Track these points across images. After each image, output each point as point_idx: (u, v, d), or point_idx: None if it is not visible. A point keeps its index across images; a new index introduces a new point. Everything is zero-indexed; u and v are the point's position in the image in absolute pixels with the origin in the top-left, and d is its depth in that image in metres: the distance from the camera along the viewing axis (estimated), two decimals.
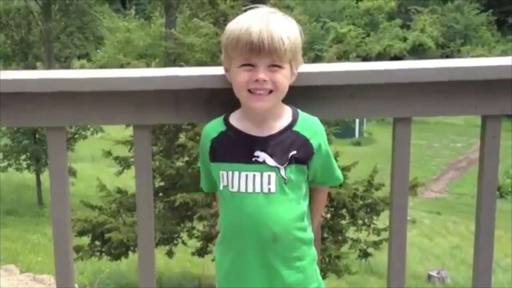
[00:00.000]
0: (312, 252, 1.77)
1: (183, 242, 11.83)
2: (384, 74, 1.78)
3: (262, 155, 1.64)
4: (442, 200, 24.78)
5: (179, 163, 11.65)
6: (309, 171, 1.71)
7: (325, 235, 11.02)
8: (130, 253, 11.14)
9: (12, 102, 1.77)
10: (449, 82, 1.77)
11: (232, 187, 1.66)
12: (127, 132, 10.65)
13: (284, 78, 1.63)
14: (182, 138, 11.71)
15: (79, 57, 35.14)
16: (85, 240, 11.35)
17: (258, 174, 1.64)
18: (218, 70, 1.76)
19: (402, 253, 1.90)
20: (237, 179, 1.65)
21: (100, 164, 22.41)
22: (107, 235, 10.51)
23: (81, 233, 10.95)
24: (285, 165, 1.64)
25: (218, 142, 1.70)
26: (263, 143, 1.65)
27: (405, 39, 46.23)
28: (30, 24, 23.24)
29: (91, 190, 15.16)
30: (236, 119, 1.71)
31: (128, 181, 11.76)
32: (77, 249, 10.72)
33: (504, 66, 1.78)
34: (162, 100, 1.81)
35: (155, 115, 1.83)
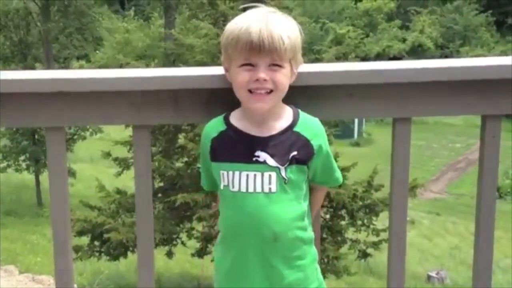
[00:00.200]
0: (312, 251, 1.77)
1: (182, 242, 11.82)
2: (384, 74, 1.78)
3: (262, 155, 1.64)
4: (441, 200, 24.78)
5: (178, 164, 11.65)
6: (309, 170, 1.71)
7: (324, 236, 11.03)
8: (129, 253, 11.13)
9: (11, 102, 1.77)
10: (449, 82, 1.77)
11: (233, 186, 1.66)
12: (127, 133, 10.65)
13: (284, 78, 1.63)
14: (181, 139, 11.71)
15: (78, 58, 35.12)
16: (84, 240, 11.35)
17: (258, 174, 1.64)
18: (218, 70, 1.76)
19: (402, 253, 1.90)
20: (237, 179, 1.66)
21: (99, 164, 22.40)
22: (106, 236, 10.51)
23: (80, 233, 10.95)
24: (285, 165, 1.64)
25: (218, 142, 1.70)
26: (264, 143, 1.65)
27: (404, 40, 46.24)
28: (29, 25, 23.21)
29: (90, 191, 15.16)
30: (236, 119, 1.71)
31: (127, 181, 11.76)
32: (76, 249, 10.73)
33: (503, 66, 1.78)
34: (161, 100, 1.80)
35: (154, 115, 1.83)
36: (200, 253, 11.60)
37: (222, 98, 1.75)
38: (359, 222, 11.50)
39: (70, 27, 25.80)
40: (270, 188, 1.65)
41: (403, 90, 1.79)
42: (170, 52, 15.87)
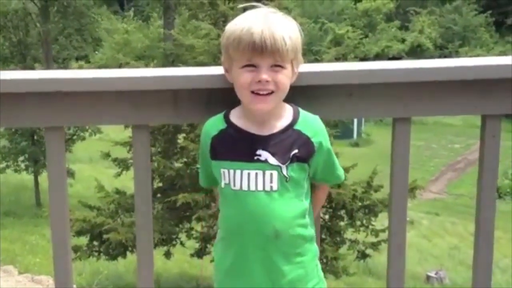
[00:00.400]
0: (313, 249, 1.78)
1: (181, 243, 11.82)
2: (383, 73, 1.78)
3: (264, 154, 1.65)
4: (441, 201, 24.78)
5: (178, 164, 11.65)
6: (310, 168, 1.71)
7: (323, 236, 11.03)
8: (128, 253, 11.14)
9: (10, 102, 1.77)
10: (449, 81, 1.77)
11: (234, 185, 1.66)
12: (126, 133, 10.65)
13: (286, 78, 1.63)
14: (181, 139, 11.71)
15: (77, 59, 35.08)
16: (83, 240, 11.35)
17: (260, 173, 1.65)
18: (217, 70, 1.76)
19: (401, 254, 1.89)
20: (239, 177, 1.66)
21: (98, 165, 22.39)
22: (105, 236, 10.51)
23: (79, 233, 10.95)
24: (286, 163, 1.65)
25: (218, 140, 1.70)
26: (265, 142, 1.66)
27: (403, 40, 46.22)
28: (28, 25, 23.20)
29: (89, 191, 15.15)
30: (236, 117, 1.71)
31: (126, 182, 11.75)
32: (75, 249, 10.74)
33: (503, 66, 1.78)
34: (160, 100, 1.80)
35: (154, 115, 1.83)
36: (199, 253, 11.61)
37: (221, 98, 1.75)
38: (358, 223, 11.50)
39: (69, 27, 25.76)
40: (271, 187, 1.65)
41: (402, 90, 1.79)
42: (169, 53, 15.87)
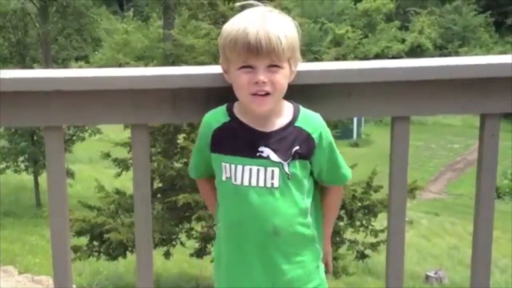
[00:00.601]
0: (315, 249, 1.76)
1: (181, 243, 11.82)
2: (383, 72, 1.78)
3: (266, 151, 1.65)
4: (440, 201, 24.77)
5: (178, 165, 11.65)
6: (313, 166, 1.70)
7: None
8: (128, 253, 11.14)
9: (8, 102, 1.76)
10: (448, 80, 1.77)
11: (235, 179, 1.66)
12: (126, 134, 10.65)
13: (283, 78, 1.63)
14: (181, 139, 11.71)
15: (77, 59, 35.05)
16: (83, 240, 11.35)
17: (262, 169, 1.65)
18: (216, 69, 1.76)
19: (400, 253, 1.89)
20: (240, 172, 1.66)
21: (98, 165, 22.40)
22: (106, 236, 10.51)
23: (79, 233, 10.95)
24: (288, 160, 1.65)
25: (221, 133, 1.69)
26: (267, 138, 1.66)
27: (403, 41, 46.16)
28: (27, 26, 23.19)
29: (89, 192, 15.17)
30: (239, 111, 1.70)
31: (126, 182, 11.76)
32: (75, 249, 10.74)
33: (503, 64, 1.77)
34: (159, 99, 1.80)
35: (152, 114, 1.82)
36: (199, 253, 11.61)
37: (220, 97, 1.74)
38: (358, 223, 11.50)
39: (69, 28, 25.73)
40: (272, 183, 1.65)
41: (402, 88, 1.79)
42: (169, 53, 15.88)
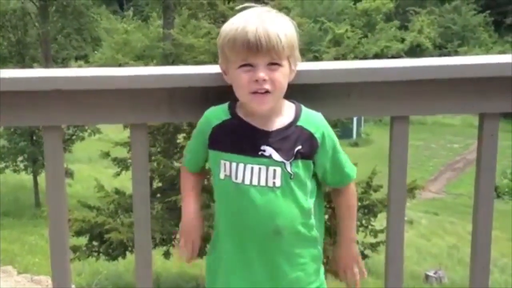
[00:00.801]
0: (316, 252, 1.75)
1: None
2: (382, 72, 1.78)
3: (268, 150, 1.64)
4: (440, 200, 24.79)
5: (178, 164, 11.64)
6: (316, 167, 1.69)
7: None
8: (128, 253, 11.13)
9: (8, 101, 1.76)
10: (447, 80, 1.76)
11: (236, 178, 1.65)
12: (125, 133, 10.65)
13: (283, 77, 1.62)
14: (180, 139, 11.71)
15: (76, 59, 35.07)
16: (83, 240, 11.34)
17: (263, 168, 1.64)
18: (214, 68, 1.76)
19: (400, 253, 1.89)
20: (241, 171, 1.64)
21: (97, 165, 22.38)
22: (106, 236, 10.50)
23: (78, 233, 10.95)
24: (290, 160, 1.64)
25: (220, 130, 1.69)
26: (269, 137, 1.65)
27: (402, 40, 46.15)
28: (27, 25, 23.20)
29: (89, 191, 15.16)
30: (241, 110, 1.69)
31: (125, 182, 11.75)
32: (75, 249, 10.73)
33: (502, 64, 1.77)
34: (158, 99, 1.79)
35: (151, 114, 1.82)
36: (199, 253, 11.57)
37: (218, 97, 1.74)
38: (357, 223, 11.49)
39: (69, 27, 25.75)
40: (274, 183, 1.64)
41: (401, 88, 1.79)
42: (169, 53, 15.87)
